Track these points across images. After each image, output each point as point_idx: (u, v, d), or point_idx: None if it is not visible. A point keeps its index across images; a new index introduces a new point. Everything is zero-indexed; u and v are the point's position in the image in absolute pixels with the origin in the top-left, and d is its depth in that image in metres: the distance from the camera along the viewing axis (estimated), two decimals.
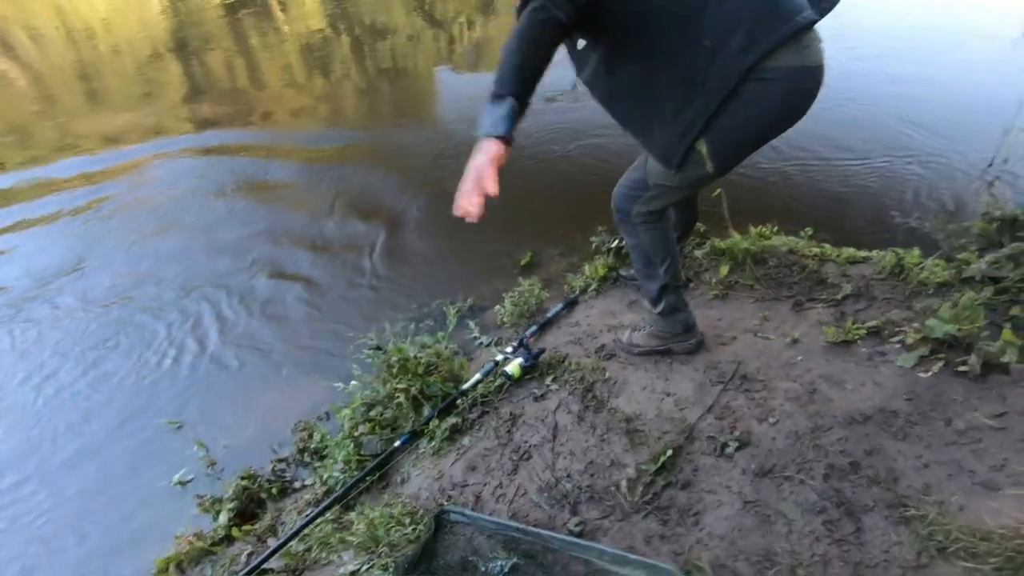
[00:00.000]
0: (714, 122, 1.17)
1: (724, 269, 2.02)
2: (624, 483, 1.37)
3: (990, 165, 2.72)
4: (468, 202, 1.01)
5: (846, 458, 1.32)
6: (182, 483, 1.80)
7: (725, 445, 1.41)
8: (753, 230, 2.18)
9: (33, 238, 3.21)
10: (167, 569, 1.55)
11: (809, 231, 2.20)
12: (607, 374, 1.75)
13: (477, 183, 1.01)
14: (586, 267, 2.28)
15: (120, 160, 3.92)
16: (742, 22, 1.10)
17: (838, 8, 1.17)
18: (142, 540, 1.67)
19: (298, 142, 3.90)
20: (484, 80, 4.21)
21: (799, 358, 1.65)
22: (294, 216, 3.09)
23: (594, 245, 2.41)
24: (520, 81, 1.04)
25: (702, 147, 1.22)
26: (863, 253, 2.04)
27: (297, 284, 2.58)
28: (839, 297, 1.82)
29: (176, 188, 3.48)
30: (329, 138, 3.87)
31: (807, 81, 1.18)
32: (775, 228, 2.24)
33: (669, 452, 1.40)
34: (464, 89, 4.32)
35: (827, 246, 2.09)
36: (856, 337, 1.64)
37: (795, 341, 1.71)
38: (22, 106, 4.98)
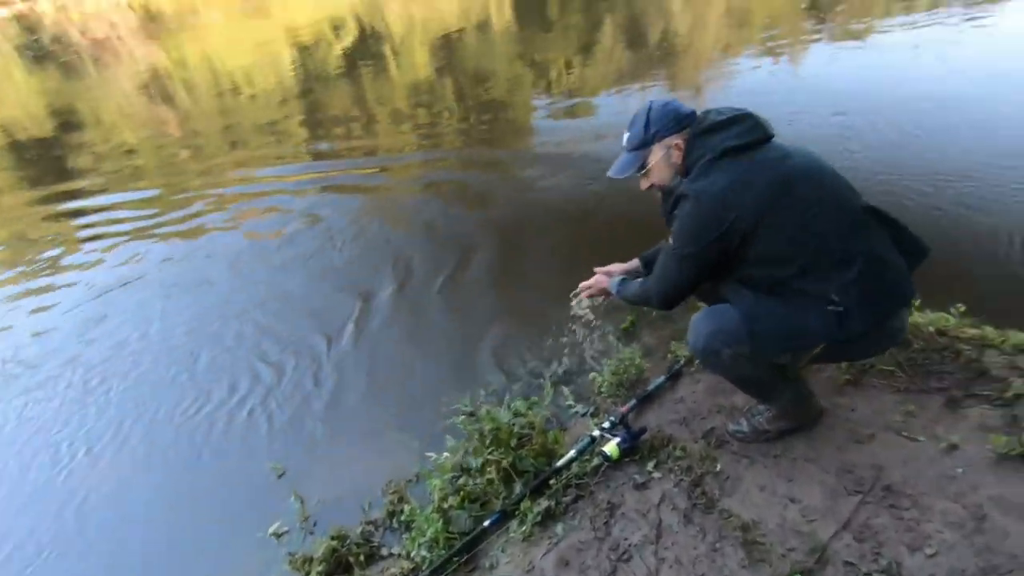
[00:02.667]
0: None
1: None
2: None
3: None
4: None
5: None
6: (277, 535, 1.83)
7: None
8: None
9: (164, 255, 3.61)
10: None
11: (962, 308, 1.90)
12: (718, 466, 1.57)
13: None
14: None
15: (245, 190, 4.35)
16: (864, 291, 1.29)
17: None
18: None
19: (397, 172, 4.15)
20: (574, 125, 4.29)
21: (959, 470, 1.39)
22: (383, 258, 3.21)
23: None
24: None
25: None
26: None
27: (390, 341, 2.63)
28: (1008, 395, 1.53)
29: (288, 222, 3.77)
30: (423, 173, 4.05)
31: (897, 337, 1.43)
32: (917, 302, 1.96)
33: None
34: (556, 130, 4.32)
35: (988, 328, 1.79)
36: None
37: (953, 447, 1.44)
38: (172, 148, 5.66)
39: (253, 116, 6.09)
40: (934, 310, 1.91)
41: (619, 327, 2.34)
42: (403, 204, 3.87)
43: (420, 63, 6.72)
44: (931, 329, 1.82)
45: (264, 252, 3.55)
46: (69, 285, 3.61)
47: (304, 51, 8.20)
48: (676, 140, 1.43)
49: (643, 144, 1.47)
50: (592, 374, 2.12)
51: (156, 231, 4.09)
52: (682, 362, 2.05)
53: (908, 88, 3.83)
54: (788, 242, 1.30)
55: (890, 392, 1.68)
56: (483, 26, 7.54)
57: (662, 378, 1.97)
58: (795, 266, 1.31)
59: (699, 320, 1.48)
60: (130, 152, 5.71)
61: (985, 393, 1.57)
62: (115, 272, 3.64)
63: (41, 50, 12.21)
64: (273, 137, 5.38)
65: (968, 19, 4.77)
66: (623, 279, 1.69)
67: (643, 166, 1.48)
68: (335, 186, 4.21)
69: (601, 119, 4.31)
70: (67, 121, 7.32)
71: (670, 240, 1.41)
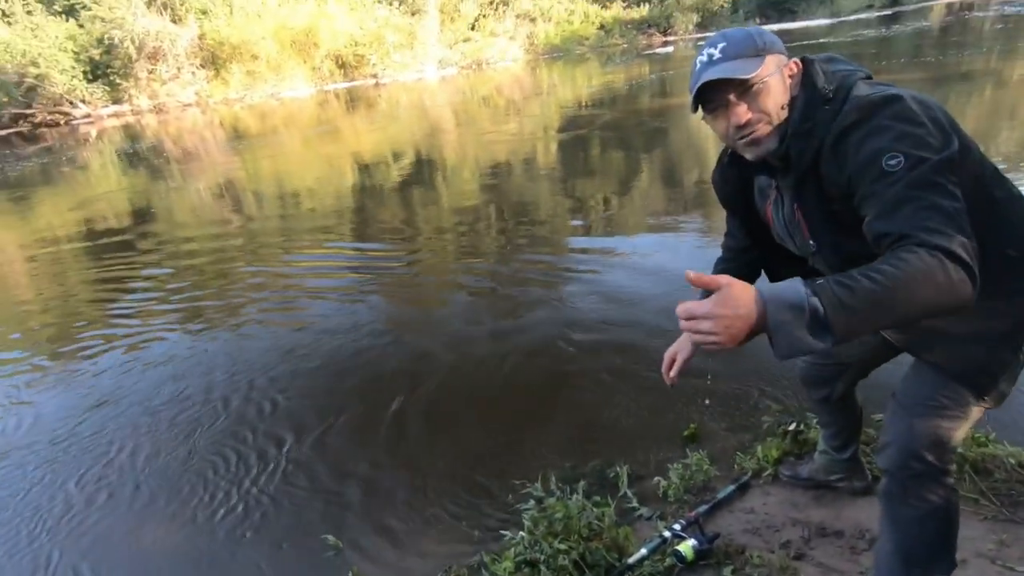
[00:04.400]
0: None
1: None
2: None
3: None
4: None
5: None
6: None
7: None
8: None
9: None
10: None
11: None
12: None
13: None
14: (759, 448, 2.11)
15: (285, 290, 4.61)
16: None
17: None
18: None
19: (448, 273, 4.35)
20: (598, 259, 4.55)
21: None
22: (432, 345, 3.32)
23: (766, 425, 2.26)
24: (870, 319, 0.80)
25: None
26: None
27: (453, 421, 2.67)
28: None
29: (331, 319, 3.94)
30: (457, 278, 4.25)
31: None
32: (991, 434, 1.95)
33: None
34: (589, 264, 4.53)
35: None
36: None
37: None
38: (230, 243, 6.14)
39: (309, 223, 6.64)
40: (1012, 443, 1.90)
41: (681, 433, 2.35)
42: (442, 301, 4.07)
43: (468, 190, 7.33)
44: (1012, 461, 1.81)
45: (309, 337, 3.70)
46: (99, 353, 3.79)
47: (364, 172, 9.04)
48: (789, 61, 1.08)
49: (755, 52, 1.05)
50: (656, 478, 2.10)
51: (198, 313, 4.35)
52: (749, 474, 2.03)
53: None
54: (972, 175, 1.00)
55: (977, 520, 1.63)
56: (529, 163, 8.27)
57: (731, 487, 1.95)
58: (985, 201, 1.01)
59: (896, 419, 1.18)
60: (190, 245, 6.21)
61: None
62: (157, 347, 3.83)
63: (136, 155, 13.73)
64: (322, 242, 5.82)
65: None
66: (808, 286, 0.80)
67: (753, 82, 1.03)
68: (373, 287, 4.46)
69: (634, 254, 4.53)
70: (142, 214, 8.06)
71: (893, 161, 0.89)
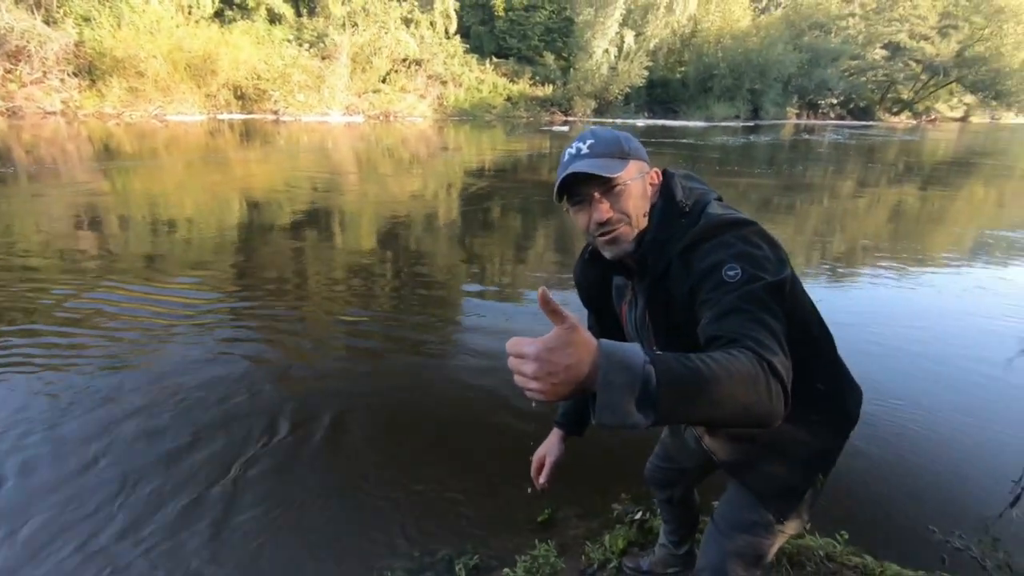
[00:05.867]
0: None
1: None
2: None
3: (1017, 482, 2.67)
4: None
5: None
6: None
7: None
8: None
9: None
10: None
11: (845, 535, 2.08)
12: None
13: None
14: (606, 538, 2.13)
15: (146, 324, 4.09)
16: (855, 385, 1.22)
17: None
18: None
19: (312, 334, 4.09)
20: (498, 308, 4.63)
21: None
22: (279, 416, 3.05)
23: (615, 513, 2.29)
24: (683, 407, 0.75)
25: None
26: (909, 573, 1.90)
27: (283, 498, 2.42)
28: None
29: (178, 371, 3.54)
30: (343, 337, 4.05)
31: None
32: (807, 524, 2.13)
33: None
34: (480, 317, 4.57)
35: (869, 558, 1.95)
36: None
37: None
38: (83, 269, 5.42)
39: (170, 256, 6.07)
40: (822, 535, 2.08)
41: (534, 517, 2.31)
42: (313, 366, 3.80)
43: (365, 237, 7.17)
44: (821, 553, 1.96)
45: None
46: None
47: (253, 207, 8.56)
48: (651, 171, 1.14)
49: (621, 154, 1.09)
50: (505, 570, 2.03)
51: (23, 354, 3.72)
52: (595, 566, 2.02)
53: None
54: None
55: None
56: (431, 218, 8.30)
57: None
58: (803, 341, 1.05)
59: (711, 543, 1.26)
60: (28, 268, 5.41)
61: None
62: None
63: None
64: (195, 277, 5.33)
65: None
66: (648, 354, 0.74)
67: (617, 183, 1.07)
68: (223, 333, 4.10)
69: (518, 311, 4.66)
70: None
71: (732, 272, 0.96)
